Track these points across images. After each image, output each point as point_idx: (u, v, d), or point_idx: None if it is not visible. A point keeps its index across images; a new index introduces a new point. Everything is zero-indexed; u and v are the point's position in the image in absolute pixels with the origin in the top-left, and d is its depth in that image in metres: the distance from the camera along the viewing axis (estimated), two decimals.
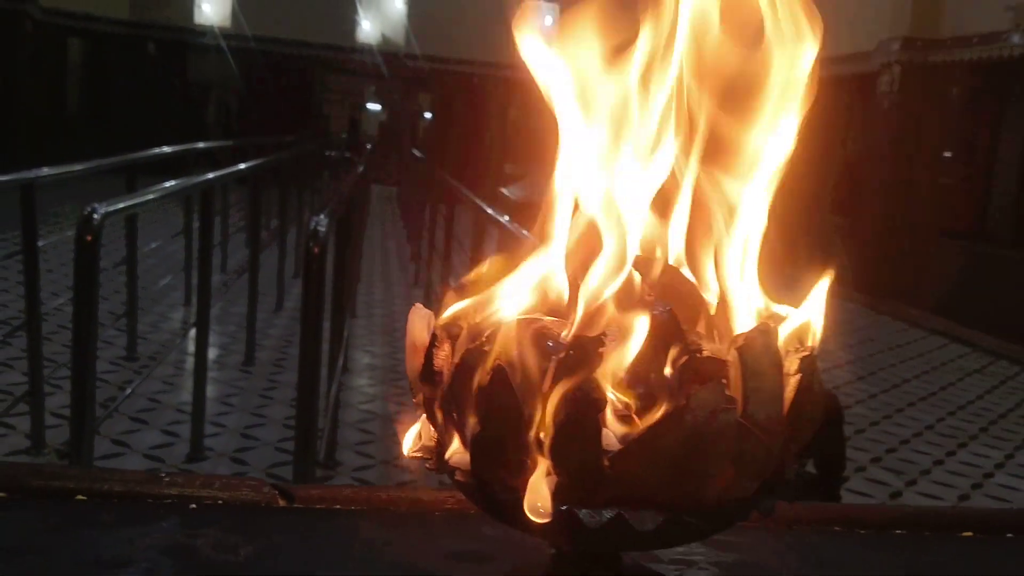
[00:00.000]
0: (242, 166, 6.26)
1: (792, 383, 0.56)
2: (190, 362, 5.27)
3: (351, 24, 18.67)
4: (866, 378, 7.25)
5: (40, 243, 4.21)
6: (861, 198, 11.61)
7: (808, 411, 0.57)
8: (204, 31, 17.76)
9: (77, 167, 4.76)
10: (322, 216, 3.02)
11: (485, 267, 0.64)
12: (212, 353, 5.62)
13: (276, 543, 0.82)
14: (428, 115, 21.72)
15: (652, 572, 0.67)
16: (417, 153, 13.15)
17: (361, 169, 7.26)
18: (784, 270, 0.65)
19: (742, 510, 0.57)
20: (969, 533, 0.97)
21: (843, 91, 12.73)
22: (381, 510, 0.89)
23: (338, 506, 0.89)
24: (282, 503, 0.88)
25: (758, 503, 0.57)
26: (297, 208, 9.89)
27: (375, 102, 23.64)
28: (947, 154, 11.11)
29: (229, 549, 0.78)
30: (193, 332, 4.72)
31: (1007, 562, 0.94)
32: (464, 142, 17.73)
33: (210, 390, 4.85)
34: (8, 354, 5.38)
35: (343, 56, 18.79)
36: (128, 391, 4.66)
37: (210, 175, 4.89)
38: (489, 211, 5.11)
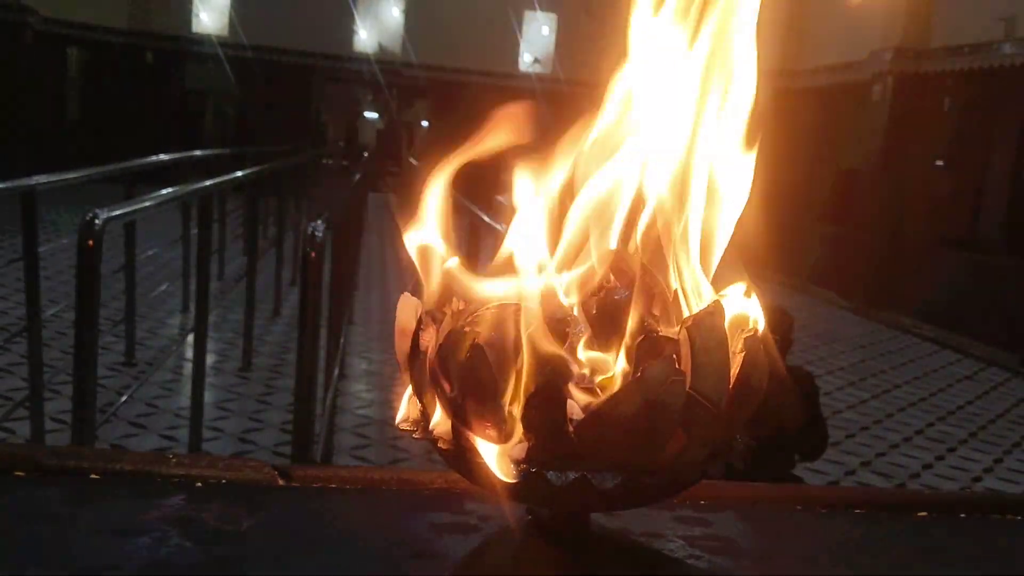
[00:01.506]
0: (239, 174, 6.33)
1: (738, 360, 0.63)
2: (188, 367, 5.34)
3: (348, 33, 18.79)
4: (857, 384, 7.32)
5: (39, 249, 4.27)
6: (854, 206, 11.70)
7: (752, 386, 0.63)
8: (202, 40, 17.86)
9: (76, 174, 4.82)
10: (319, 222, 3.09)
11: (463, 260, 0.70)
12: (210, 359, 5.68)
13: (275, 517, 0.88)
14: (425, 123, 21.82)
15: (621, 537, 0.74)
16: (413, 161, 13.23)
17: (358, 177, 7.33)
18: (749, 264, 0.72)
19: (693, 473, 0.63)
20: (924, 513, 1.03)
21: (836, 101, 12.84)
22: (373, 489, 0.96)
23: (333, 485, 0.95)
24: (281, 482, 0.95)
25: (708, 467, 0.63)
26: (294, 216, 9.96)
27: (372, 111, 23.74)
28: (939, 163, 11.21)
29: (231, 521, 0.85)
30: (191, 338, 4.78)
31: (959, 540, 1.00)
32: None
33: (208, 395, 4.91)
34: (8, 360, 5.44)
35: (340, 65, 18.90)
36: (125, 396, 4.72)
37: (208, 182, 4.95)
38: (485, 218, 5.18)
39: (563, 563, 0.69)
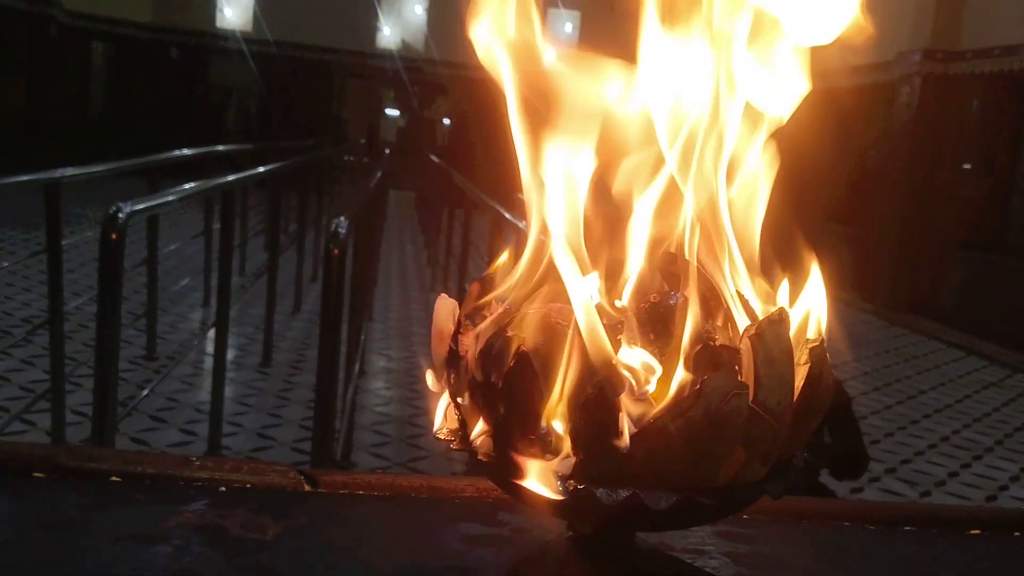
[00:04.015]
0: (261, 169, 6.32)
1: (802, 372, 0.59)
2: (208, 362, 5.33)
3: (371, 30, 18.80)
4: (882, 389, 7.23)
5: (63, 243, 4.27)
6: (880, 208, 11.57)
7: (817, 399, 0.59)
8: (226, 35, 17.93)
9: (100, 168, 4.83)
10: (342, 218, 3.06)
11: (506, 259, 0.66)
12: (230, 354, 5.68)
13: (301, 525, 0.85)
14: (447, 121, 21.80)
15: (665, 556, 0.70)
16: (435, 158, 13.21)
17: (379, 174, 7.31)
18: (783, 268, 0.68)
19: (752, 493, 0.59)
20: (976, 531, 0.98)
21: (863, 101, 12.69)
22: (401, 496, 0.92)
23: (360, 492, 0.92)
24: (307, 488, 0.91)
25: (768, 486, 0.59)
26: (315, 212, 9.96)
27: (394, 107, 23.76)
28: (967, 166, 11.06)
29: (257, 529, 0.82)
30: (212, 333, 4.77)
31: (1014, 559, 0.95)
32: (482, 147, 17.79)
33: (228, 390, 4.90)
34: (30, 352, 5.45)
35: (363, 61, 18.92)
36: (147, 390, 4.72)
37: (230, 177, 4.95)
38: (508, 216, 5.14)
39: None
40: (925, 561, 0.94)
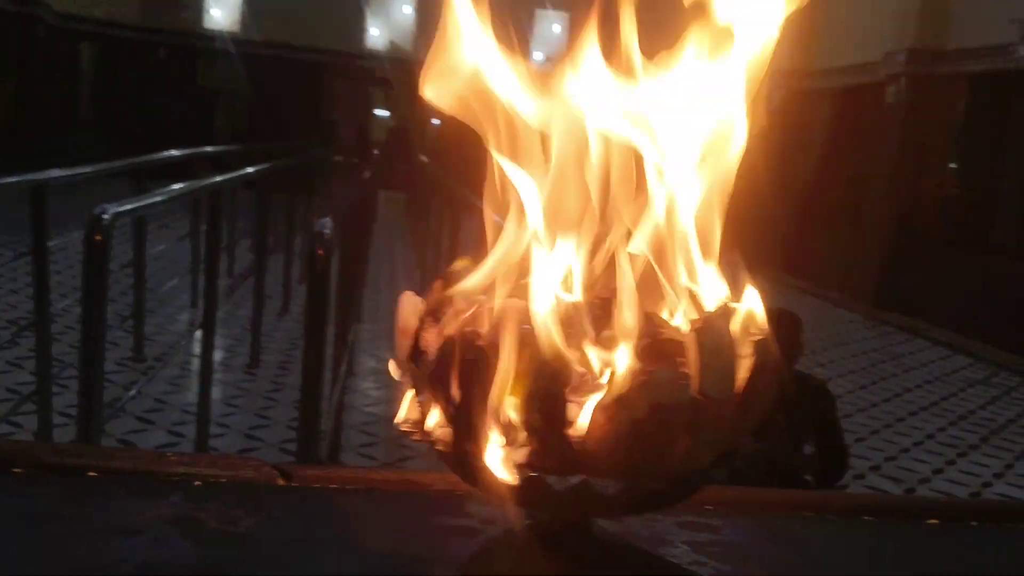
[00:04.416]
0: (248, 170, 6.33)
1: (746, 364, 0.61)
2: (196, 363, 5.34)
3: (360, 30, 18.80)
4: (868, 387, 7.28)
5: (49, 244, 4.28)
6: (866, 208, 11.64)
7: (761, 390, 0.62)
8: (214, 36, 17.90)
9: (86, 169, 4.83)
10: (327, 219, 3.08)
11: (469, 258, 0.69)
12: (218, 355, 5.69)
13: (275, 517, 0.87)
14: (436, 121, 21.81)
15: (623, 543, 0.72)
16: (424, 159, 13.23)
17: (368, 174, 7.33)
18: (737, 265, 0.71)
19: (699, 479, 0.62)
20: (934, 520, 1.01)
21: (850, 102, 12.77)
22: (375, 490, 0.94)
23: (334, 485, 0.94)
24: (281, 482, 0.94)
25: (714, 473, 0.62)
26: (304, 213, 9.96)
27: (384, 108, 23.75)
28: (952, 165, 11.14)
29: (231, 521, 0.84)
30: (199, 334, 4.78)
31: (969, 547, 0.98)
32: (472, 148, 17.78)
33: (215, 391, 4.91)
34: (16, 354, 5.45)
35: (352, 62, 18.92)
36: (133, 391, 4.72)
37: (217, 179, 4.96)
38: (496, 217, 5.15)
39: (564, 569, 0.68)
40: (884, 550, 0.97)
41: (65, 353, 5.33)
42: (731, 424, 0.61)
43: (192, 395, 5.05)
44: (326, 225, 2.99)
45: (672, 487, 0.61)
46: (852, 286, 11.37)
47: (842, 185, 12.84)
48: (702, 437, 0.59)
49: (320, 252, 2.90)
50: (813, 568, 0.89)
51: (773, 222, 13.75)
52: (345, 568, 0.79)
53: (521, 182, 0.67)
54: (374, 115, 23.86)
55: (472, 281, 0.68)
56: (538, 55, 18.87)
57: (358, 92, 21.49)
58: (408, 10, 19.04)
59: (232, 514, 0.85)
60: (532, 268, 0.66)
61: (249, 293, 6.45)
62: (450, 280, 0.69)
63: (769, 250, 13.76)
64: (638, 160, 0.67)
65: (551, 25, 18.84)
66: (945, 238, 10.67)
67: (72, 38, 16.47)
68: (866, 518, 1.00)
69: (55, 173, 4.37)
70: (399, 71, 18.69)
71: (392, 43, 18.92)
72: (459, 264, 0.69)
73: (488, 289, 0.67)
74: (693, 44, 0.66)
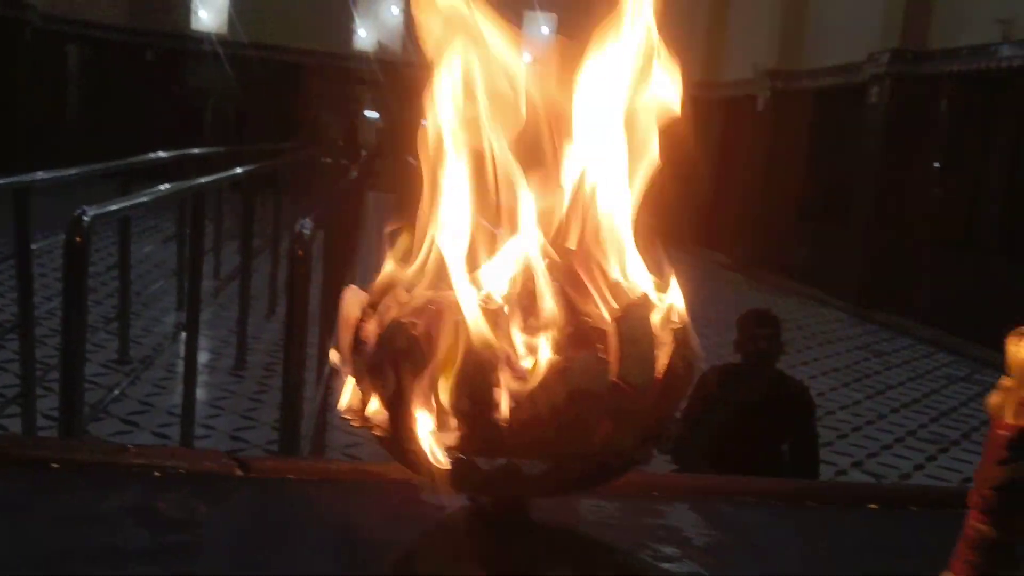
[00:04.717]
0: (231, 172, 6.34)
1: (666, 351, 0.64)
2: (182, 365, 5.35)
3: (347, 32, 18.81)
4: (851, 384, 7.33)
5: (34, 247, 4.29)
6: (850, 207, 11.71)
7: (680, 376, 0.65)
8: (201, 38, 17.87)
9: (70, 172, 4.83)
10: (307, 220, 3.10)
11: (408, 250, 0.72)
12: (204, 357, 5.70)
13: (232, 506, 0.90)
14: (426, 122, 21.78)
15: (559, 525, 0.76)
16: (412, 160, 13.21)
17: (354, 175, 7.34)
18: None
19: (622, 461, 0.65)
20: (874, 506, 1.05)
21: (834, 102, 12.85)
22: (330, 480, 0.97)
23: (291, 476, 0.97)
24: (239, 473, 0.96)
25: (637, 455, 0.65)
26: (292, 215, 9.96)
27: (373, 109, 23.74)
28: (936, 164, 11.22)
29: (188, 510, 0.87)
30: (184, 336, 4.79)
31: (908, 532, 1.02)
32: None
33: (201, 393, 4.93)
34: (1, 356, 5.45)
35: (340, 63, 18.91)
36: (116, 391, 4.73)
37: (199, 180, 4.97)
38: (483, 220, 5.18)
39: (500, 549, 0.71)
40: (825, 535, 1.00)
41: (50, 356, 5.33)
42: (652, 409, 0.64)
43: (178, 397, 5.05)
44: (306, 226, 3.01)
45: (597, 468, 0.65)
46: (836, 284, 11.44)
47: (827, 184, 12.92)
48: (623, 421, 0.63)
49: (300, 252, 2.92)
50: (752, 551, 0.92)
51: (757, 221, 13.83)
52: (296, 554, 0.82)
53: (456, 180, 0.71)
54: (363, 116, 23.84)
55: (413, 274, 0.71)
56: (527, 56, 18.88)
57: (347, 93, 21.48)
58: (396, 11, 19.06)
59: (190, 503, 0.88)
60: (458, 262, 0.69)
61: (236, 295, 6.46)
62: (393, 273, 0.73)
63: (752, 249, 13.84)
64: (563, 155, 0.70)
65: (540, 27, 18.88)
66: (929, 237, 10.75)
67: (59, 40, 16.43)
68: (808, 504, 1.04)
69: (38, 176, 4.38)
70: (387, 72, 18.70)
71: (380, 44, 18.93)
72: (398, 258, 0.72)
73: (427, 281, 0.70)
74: (611, 43, 0.69)
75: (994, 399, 0.68)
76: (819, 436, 4.11)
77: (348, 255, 7.61)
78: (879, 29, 11.32)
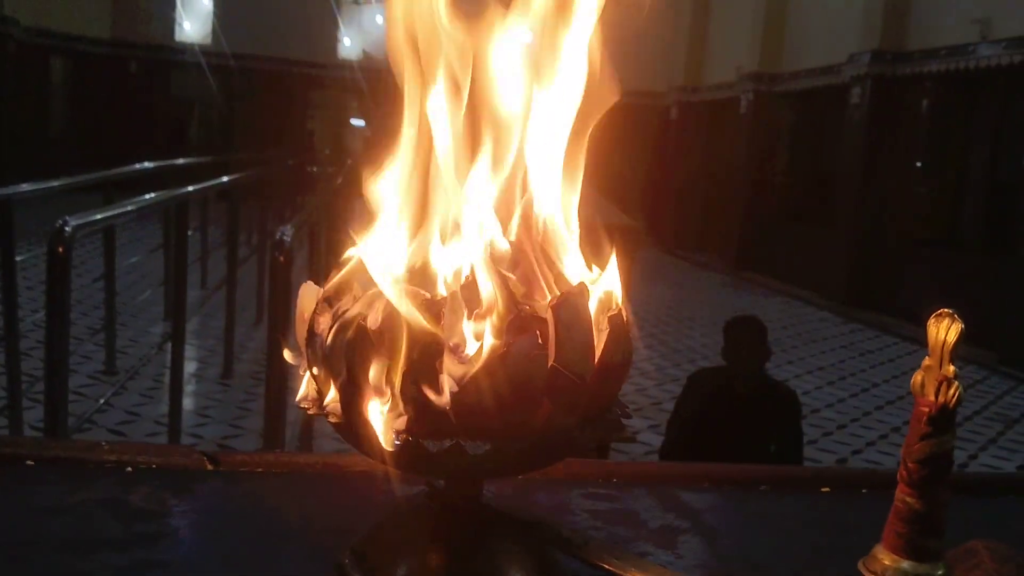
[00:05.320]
0: (214, 181, 6.36)
1: (603, 337, 0.68)
2: (169, 375, 5.36)
3: (332, 41, 18.83)
4: (836, 383, 7.39)
5: (19, 258, 4.30)
6: (833, 208, 11.80)
7: (617, 361, 0.69)
8: (185, 49, 17.87)
9: (52, 184, 4.85)
10: (288, 227, 3.13)
11: (360, 245, 0.75)
12: (191, 366, 5.71)
13: (200, 499, 0.93)
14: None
15: (519, 510, 0.79)
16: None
17: (339, 181, 7.37)
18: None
19: (563, 441, 0.68)
20: (827, 489, 1.09)
21: (815, 103, 12.96)
22: (298, 473, 1.00)
23: (260, 469, 1.00)
24: (209, 467, 0.99)
25: (579, 437, 0.68)
26: (277, 224, 9.97)
27: (358, 118, 23.75)
28: (918, 164, 11.32)
29: (158, 502, 0.90)
30: (170, 346, 4.80)
31: (855, 512, 1.06)
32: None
33: (188, 402, 4.94)
34: None
35: (325, 72, 18.93)
36: (102, 401, 4.74)
37: (182, 190, 4.99)
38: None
39: (452, 531, 0.74)
40: (776, 518, 1.04)
41: (36, 368, 5.33)
42: (590, 392, 0.67)
43: (164, 407, 5.06)
44: (286, 232, 3.04)
45: (539, 449, 0.68)
46: (821, 284, 11.52)
47: (810, 185, 13.02)
48: (562, 403, 0.66)
49: (281, 258, 2.95)
50: (704, 532, 0.95)
51: (742, 222, 13.91)
52: (259, 542, 0.85)
53: (402, 167, 0.74)
54: (350, 124, 23.84)
55: (364, 267, 0.74)
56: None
57: (332, 102, 21.49)
58: (380, 20, 19.10)
59: (159, 496, 0.91)
60: (404, 255, 0.73)
61: (223, 304, 6.47)
62: (345, 267, 0.76)
63: (738, 250, 13.93)
64: (504, 143, 0.73)
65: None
66: (912, 236, 10.84)
67: (42, 53, 16.40)
68: (762, 488, 1.07)
69: (21, 188, 4.40)
70: (373, 80, 18.73)
71: (365, 53, 18.96)
72: (353, 251, 0.76)
73: (379, 276, 0.73)
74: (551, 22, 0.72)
75: (916, 377, 0.72)
76: (804, 436, 4.17)
77: (332, 262, 7.64)
78: (859, 31, 11.42)
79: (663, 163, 16.39)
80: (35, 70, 16.14)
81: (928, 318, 0.73)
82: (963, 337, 0.71)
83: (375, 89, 19.07)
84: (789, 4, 13.47)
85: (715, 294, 11.93)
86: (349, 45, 19.01)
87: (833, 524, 1.01)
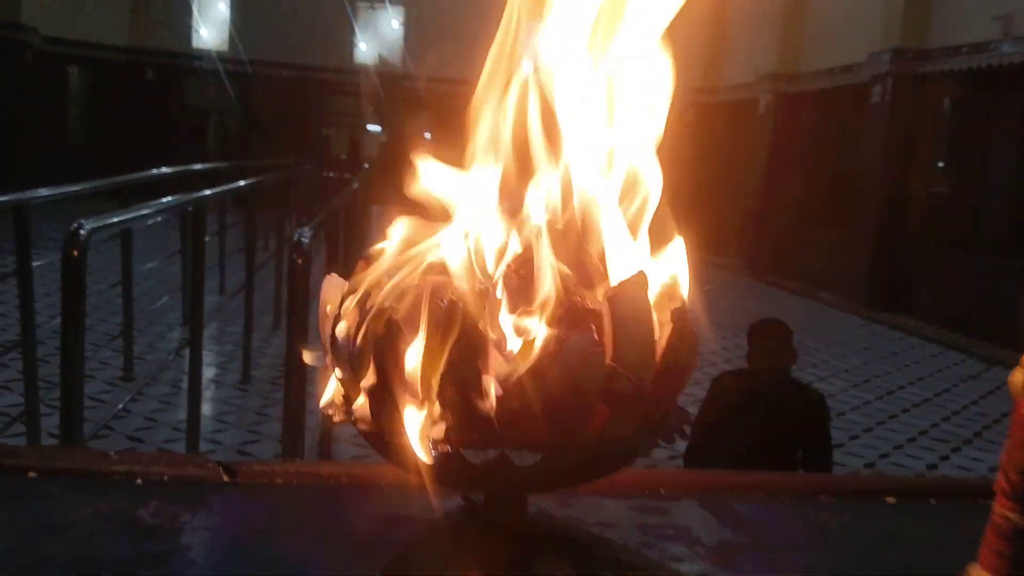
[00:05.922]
0: (231, 186, 6.32)
1: (665, 332, 0.60)
2: (187, 381, 5.31)
3: (348, 46, 18.84)
4: (861, 386, 7.26)
5: (36, 263, 4.26)
6: (855, 209, 11.65)
7: (681, 358, 0.61)
8: (201, 56, 17.92)
9: (68, 189, 4.81)
10: (306, 228, 3.07)
11: (391, 238, 0.68)
12: (209, 372, 5.66)
13: (215, 513, 0.86)
14: (428, 135, 21.83)
15: (556, 522, 0.71)
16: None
17: (355, 186, 7.31)
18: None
19: (622, 450, 0.60)
20: (892, 499, 1.00)
21: (836, 103, 12.81)
22: (319, 484, 0.93)
23: (280, 481, 0.93)
24: (225, 479, 0.92)
25: (637, 443, 0.61)
26: (294, 229, 9.93)
27: (375, 123, 23.77)
28: (940, 163, 11.17)
29: (168, 517, 0.82)
30: (188, 351, 4.75)
31: (928, 526, 0.97)
32: (461, 162, 17.79)
33: (207, 408, 4.88)
34: (5, 376, 5.42)
35: (341, 78, 18.94)
36: (119, 407, 4.70)
37: (197, 194, 4.95)
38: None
39: (495, 551, 0.67)
40: (840, 532, 0.95)
41: (53, 375, 5.29)
42: (651, 395, 0.60)
43: (183, 412, 5.01)
44: (304, 234, 2.98)
45: (594, 460, 0.60)
46: (843, 286, 11.37)
47: (830, 186, 12.87)
48: (619, 408, 0.58)
49: (299, 261, 2.89)
50: (765, 548, 0.87)
51: (762, 224, 13.78)
52: (282, 561, 0.78)
53: (446, 164, 0.67)
54: (366, 130, 23.86)
55: (394, 260, 0.67)
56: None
57: (349, 108, 21.51)
58: (396, 25, 19.08)
59: (170, 511, 0.84)
60: (449, 244, 0.65)
61: (241, 309, 6.42)
62: (373, 261, 0.69)
63: (759, 252, 13.79)
64: (560, 138, 0.66)
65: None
66: (934, 236, 10.68)
67: (59, 61, 16.48)
68: (822, 498, 0.99)
69: (39, 193, 4.36)
70: (389, 86, 18.73)
71: (381, 58, 18.96)
72: (382, 245, 0.68)
73: (409, 267, 0.66)
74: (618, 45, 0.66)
75: (1017, 376, 0.64)
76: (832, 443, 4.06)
77: (352, 263, 7.58)
78: (878, 28, 11.28)
79: (680, 165, 16.26)
80: (53, 78, 16.22)
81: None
82: None
83: (391, 94, 19.08)
84: (808, 3, 13.34)
85: (736, 297, 11.80)
86: (365, 50, 19.01)
87: (905, 539, 0.93)
